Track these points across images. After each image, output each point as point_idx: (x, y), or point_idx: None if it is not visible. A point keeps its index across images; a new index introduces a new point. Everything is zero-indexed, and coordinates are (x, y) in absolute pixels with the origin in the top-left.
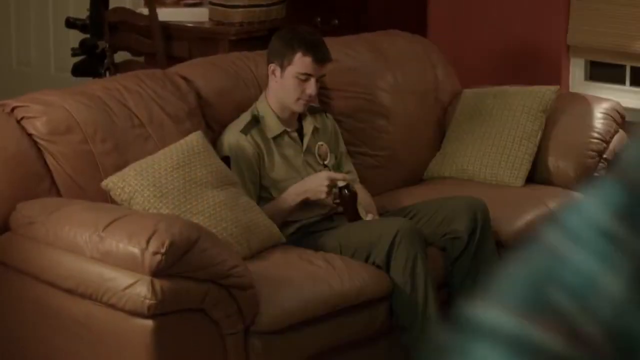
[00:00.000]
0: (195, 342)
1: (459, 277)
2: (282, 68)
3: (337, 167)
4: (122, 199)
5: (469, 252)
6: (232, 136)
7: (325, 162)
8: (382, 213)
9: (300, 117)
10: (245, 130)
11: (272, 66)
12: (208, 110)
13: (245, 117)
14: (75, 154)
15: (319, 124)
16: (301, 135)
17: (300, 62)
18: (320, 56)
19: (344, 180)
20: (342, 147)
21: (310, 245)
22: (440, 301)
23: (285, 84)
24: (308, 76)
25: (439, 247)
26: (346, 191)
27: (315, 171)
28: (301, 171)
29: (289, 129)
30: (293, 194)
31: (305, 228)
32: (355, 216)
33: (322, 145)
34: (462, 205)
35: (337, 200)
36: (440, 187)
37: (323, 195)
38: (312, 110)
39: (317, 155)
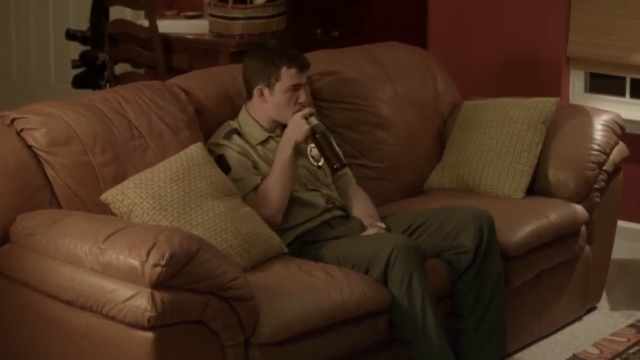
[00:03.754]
0: (196, 354)
1: (463, 289)
2: (270, 87)
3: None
4: (122, 212)
5: (475, 265)
6: (216, 141)
7: (319, 164)
8: (385, 217)
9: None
10: (227, 136)
11: (258, 88)
12: (207, 121)
13: (224, 127)
14: (75, 165)
15: None
16: None
17: (287, 75)
18: (303, 63)
19: (310, 114)
20: None
21: (309, 256)
22: (444, 312)
23: (277, 101)
24: (298, 86)
25: (444, 259)
26: (317, 135)
27: (308, 172)
28: (294, 173)
29: (273, 135)
30: (283, 147)
31: (303, 237)
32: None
33: (314, 147)
34: (469, 218)
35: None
36: (441, 199)
37: (305, 130)
38: None
39: (310, 157)
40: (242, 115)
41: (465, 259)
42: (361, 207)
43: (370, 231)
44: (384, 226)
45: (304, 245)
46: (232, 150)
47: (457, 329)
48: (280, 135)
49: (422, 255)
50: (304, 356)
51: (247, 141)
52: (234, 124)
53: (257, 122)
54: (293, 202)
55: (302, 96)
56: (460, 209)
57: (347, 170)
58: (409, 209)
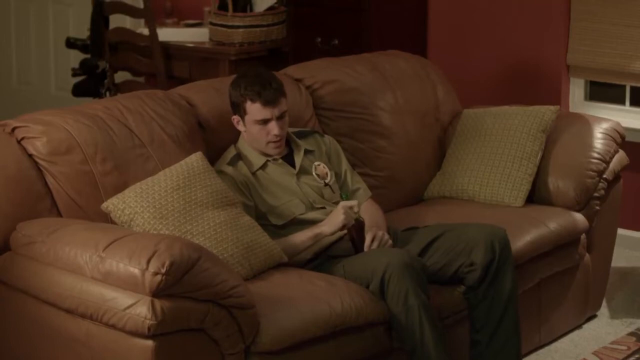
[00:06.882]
0: None
1: (474, 303)
2: (242, 118)
3: (342, 186)
4: (122, 221)
5: (485, 282)
6: (219, 168)
7: (326, 181)
8: (405, 230)
9: (290, 143)
10: (231, 163)
11: (235, 118)
12: (208, 131)
13: (230, 151)
14: (76, 174)
15: (311, 146)
16: (292, 159)
17: (253, 109)
18: (268, 98)
19: (357, 206)
20: (345, 165)
21: (327, 272)
22: (462, 325)
23: (250, 132)
24: (266, 120)
25: (459, 275)
26: (354, 221)
27: (314, 190)
28: (298, 193)
29: (270, 158)
30: (307, 231)
31: (323, 252)
32: (361, 246)
33: (319, 165)
34: (481, 236)
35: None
36: (441, 208)
37: (340, 223)
38: (300, 135)
39: (315, 175)
40: (240, 142)
41: (474, 276)
42: (368, 220)
43: (367, 238)
44: (386, 237)
45: (325, 260)
46: (228, 183)
47: (471, 340)
48: (278, 160)
49: (420, 269)
50: None
51: (249, 168)
52: (237, 147)
53: (252, 148)
54: (301, 224)
55: (274, 129)
56: (475, 226)
57: (360, 182)
58: (408, 218)
